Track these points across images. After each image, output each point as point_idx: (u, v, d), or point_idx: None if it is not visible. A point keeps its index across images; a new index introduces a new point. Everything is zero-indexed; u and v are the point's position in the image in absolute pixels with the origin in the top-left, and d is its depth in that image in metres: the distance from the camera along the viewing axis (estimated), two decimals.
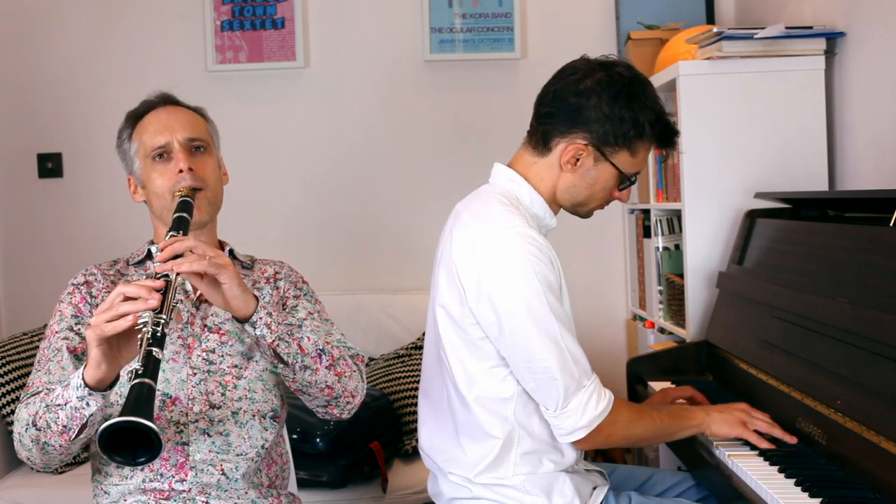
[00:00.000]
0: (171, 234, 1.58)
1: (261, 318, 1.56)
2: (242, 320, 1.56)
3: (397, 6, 3.42)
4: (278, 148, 3.46)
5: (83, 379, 1.44)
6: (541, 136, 1.76)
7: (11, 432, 2.74)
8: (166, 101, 1.83)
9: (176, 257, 1.50)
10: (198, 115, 1.84)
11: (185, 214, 1.65)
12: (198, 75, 3.39)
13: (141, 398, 1.30)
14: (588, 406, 1.64)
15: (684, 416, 1.78)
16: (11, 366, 2.82)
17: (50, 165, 3.44)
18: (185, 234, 1.60)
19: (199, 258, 1.49)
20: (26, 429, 1.55)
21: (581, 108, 1.71)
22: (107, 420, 1.30)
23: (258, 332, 1.56)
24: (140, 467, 1.65)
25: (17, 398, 2.79)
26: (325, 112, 3.45)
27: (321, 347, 1.64)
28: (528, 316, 1.63)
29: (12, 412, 2.80)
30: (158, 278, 1.47)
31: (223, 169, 1.87)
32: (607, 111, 1.70)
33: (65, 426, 1.48)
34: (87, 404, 1.45)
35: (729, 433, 1.76)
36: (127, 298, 1.42)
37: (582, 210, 1.82)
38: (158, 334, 1.38)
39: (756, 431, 1.75)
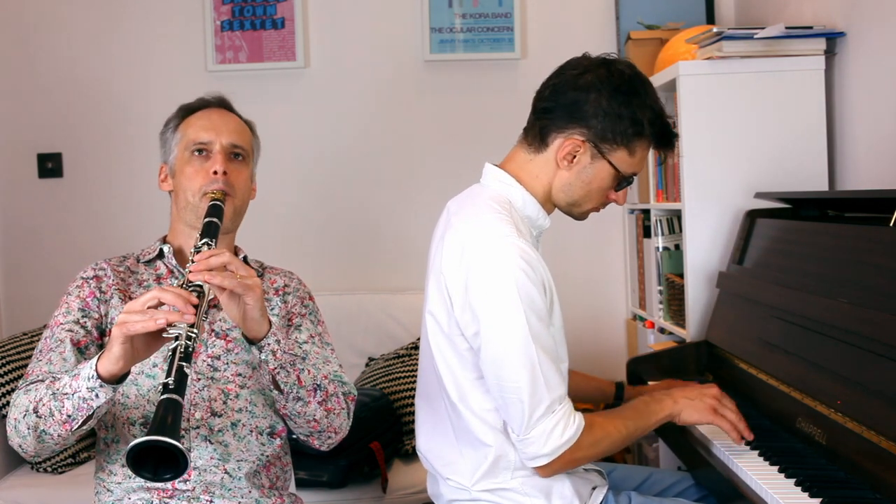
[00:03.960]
0: (204, 241, 1.60)
1: (269, 343, 1.58)
2: (251, 341, 1.58)
3: (397, 6, 3.42)
4: (278, 148, 3.45)
5: (96, 370, 1.45)
6: (538, 131, 1.74)
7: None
8: (221, 103, 1.89)
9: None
10: (246, 126, 1.89)
11: (215, 219, 1.66)
12: (198, 75, 3.39)
13: (169, 416, 1.31)
14: (552, 434, 1.59)
15: (652, 409, 1.75)
16: (11, 366, 2.82)
17: (50, 165, 3.44)
18: (215, 240, 1.62)
19: (231, 276, 1.51)
20: (24, 415, 1.54)
21: (579, 102, 1.69)
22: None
23: (263, 357, 1.58)
24: (163, 483, 1.65)
25: None
26: (325, 112, 3.45)
27: (318, 382, 1.66)
28: (505, 332, 1.59)
29: None
30: (191, 289, 1.47)
31: (253, 184, 1.89)
32: (606, 107, 1.68)
33: (69, 415, 1.48)
34: (97, 395, 1.46)
35: (700, 420, 1.75)
36: (161, 303, 1.43)
37: (576, 210, 1.79)
38: (190, 349, 1.40)
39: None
